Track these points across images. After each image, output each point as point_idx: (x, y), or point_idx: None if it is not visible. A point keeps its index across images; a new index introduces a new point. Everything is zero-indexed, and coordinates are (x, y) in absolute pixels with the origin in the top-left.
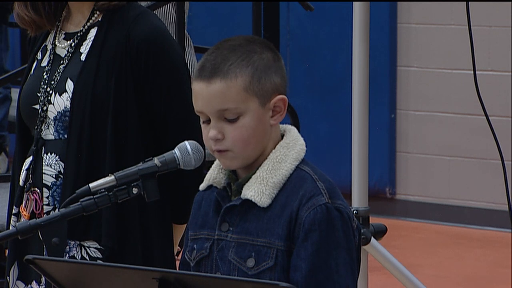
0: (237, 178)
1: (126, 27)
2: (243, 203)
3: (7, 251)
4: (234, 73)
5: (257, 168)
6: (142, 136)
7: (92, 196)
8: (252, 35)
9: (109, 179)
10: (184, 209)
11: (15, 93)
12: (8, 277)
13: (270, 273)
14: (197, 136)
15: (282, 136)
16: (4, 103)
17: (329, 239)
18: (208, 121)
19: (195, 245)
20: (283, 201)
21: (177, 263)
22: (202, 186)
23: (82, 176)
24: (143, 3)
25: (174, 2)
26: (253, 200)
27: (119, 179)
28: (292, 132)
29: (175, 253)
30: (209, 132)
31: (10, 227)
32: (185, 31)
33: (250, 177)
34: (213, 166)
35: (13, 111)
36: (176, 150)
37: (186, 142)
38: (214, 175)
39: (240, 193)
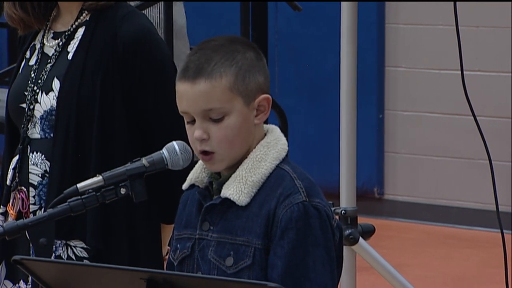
0: (219, 177)
1: (113, 26)
2: (222, 202)
3: None
4: (219, 72)
5: (238, 167)
6: (128, 135)
7: (79, 197)
8: (234, 35)
9: (96, 179)
10: (172, 209)
11: (3, 93)
12: None
13: (248, 271)
14: (184, 136)
15: (265, 135)
16: None
17: (306, 237)
18: (192, 122)
19: (178, 245)
20: (262, 200)
21: (165, 263)
22: (184, 186)
23: (68, 175)
24: (132, 3)
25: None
26: (231, 198)
27: (107, 180)
28: (274, 131)
29: (164, 253)
30: (194, 133)
31: None
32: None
33: (231, 176)
34: (196, 165)
35: (1, 112)
36: (164, 150)
37: (174, 142)
38: (196, 174)
39: (221, 192)
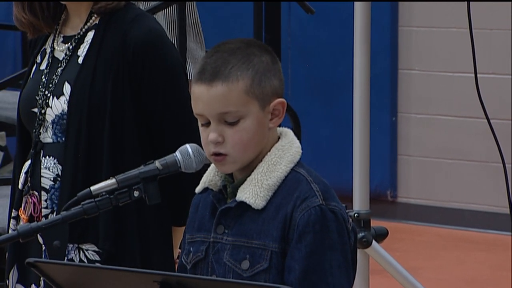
0: (233, 181)
1: (123, 29)
2: (238, 206)
3: (6, 254)
4: (236, 76)
5: (253, 170)
6: (139, 138)
7: (93, 199)
8: (249, 38)
9: (110, 182)
10: (183, 211)
11: (16, 96)
12: (7, 280)
13: (264, 275)
14: (194, 139)
15: (279, 138)
16: None
17: (323, 241)
18: (207, 124)
19: (191, 248)
20: (278, 203)
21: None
22: (198, 189)
23: (79, 179)
24: (140, 4)
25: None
26: (247, 202)
27: (120, 182)
28: (288, 134)
29: (175, 256)
30: (209, 135)
31: (10, 231)
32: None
33: (245, 179)
34: (209, 168)
35: (13, 114)
36: (177, 153)
37: (187, 145)
38: (210, 178)
39: (236, 195)
